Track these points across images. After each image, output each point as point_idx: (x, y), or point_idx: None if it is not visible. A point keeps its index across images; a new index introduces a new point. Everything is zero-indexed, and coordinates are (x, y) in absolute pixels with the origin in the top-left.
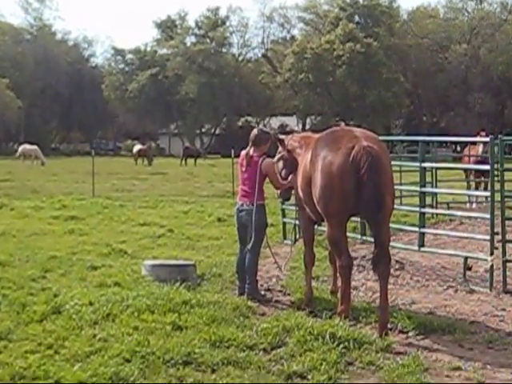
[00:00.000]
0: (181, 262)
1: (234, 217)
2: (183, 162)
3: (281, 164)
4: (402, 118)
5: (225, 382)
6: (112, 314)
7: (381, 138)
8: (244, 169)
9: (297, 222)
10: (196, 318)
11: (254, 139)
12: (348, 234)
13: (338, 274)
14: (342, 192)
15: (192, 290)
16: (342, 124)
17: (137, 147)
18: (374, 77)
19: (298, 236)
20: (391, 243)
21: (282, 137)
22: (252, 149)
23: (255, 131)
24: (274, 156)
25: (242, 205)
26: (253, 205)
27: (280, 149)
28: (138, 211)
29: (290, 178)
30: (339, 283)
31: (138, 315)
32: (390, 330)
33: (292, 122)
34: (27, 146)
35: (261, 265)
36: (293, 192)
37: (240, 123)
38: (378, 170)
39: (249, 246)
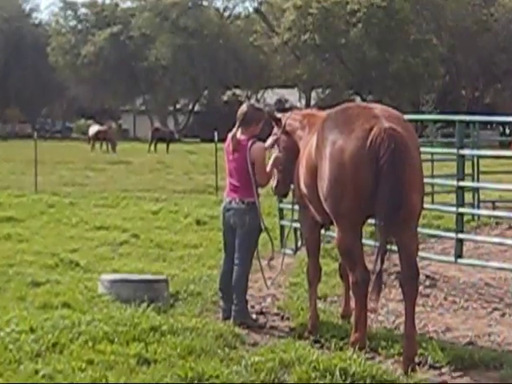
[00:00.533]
0: (149, 276)
1: (220, 217)
2: (152, 147)
3: (276, 150)
4: (435, 92)
5: None
6: (59, 343)
7: (407, 117)
8: (231, 156)
9: (298, 226)
10: (168, 348)
11: (242, 118)
12: (364, 240)
13: (350, 293)
14: (357, 187)
15: (163, 313)
16: (358, 99)
17: (94, 128)
18: (399, 39)
19: (299, 243)
20: (420, 253)
21: (278, 115)
22: (240, 130)
23: (244, 107)
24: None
25: (230, 202)
26: (243, 203)
27: (276, 130)
28: (94, 211)
29: (268, 167)
30: (352, 304)
31: (94, 345)
32: (419, 364)
33: (293, 96)
34: None
35: (252, 281)
36: (292, 187)
37: (225, 98)
38: (402, 160)
39: (237, 256)
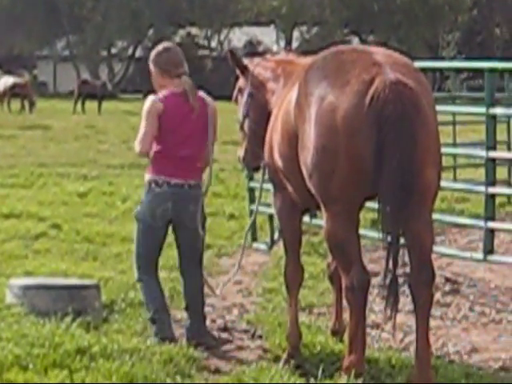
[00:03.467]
0: (74, 281)
1: (154, 209)
2: (79, 106)
3: (242, 107)
4: (459, 31)
5: None
6: None
7: (421, 64)
8: (187, 119)
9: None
10: (100, 377)
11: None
12: (363, 231)
13: (343, 301)
14: (353, 158)
15: (94, 330)
16: (355, 41)
17: (7, 81)
18: None
19: (276, 235)
20: (436, 248)
21: (245, 61)
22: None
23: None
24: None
25: (183, 186)
26: (199, 186)
27: (240, 82)
28: (0, 193)
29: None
30: (346, 317)
31: (0, 374)
32: None
33: (268, 36)
34: None
35: (213, 286)
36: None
37: (177, 39)
38: (413, 122)
39: (193, 258)
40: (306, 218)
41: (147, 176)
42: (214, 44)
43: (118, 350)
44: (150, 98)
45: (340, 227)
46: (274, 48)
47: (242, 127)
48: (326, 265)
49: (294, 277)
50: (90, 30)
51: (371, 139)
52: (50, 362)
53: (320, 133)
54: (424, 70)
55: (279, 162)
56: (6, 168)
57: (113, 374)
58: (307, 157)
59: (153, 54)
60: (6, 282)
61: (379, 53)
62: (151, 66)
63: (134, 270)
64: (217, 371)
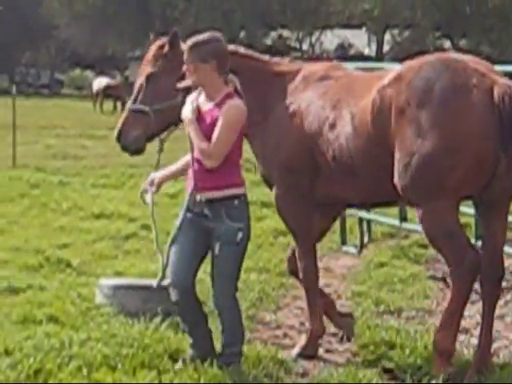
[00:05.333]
0: (164, 282)
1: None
2: None
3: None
4: None
5: None
6: (44, 370)
7: None
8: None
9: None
10: (188, 379)
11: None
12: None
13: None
14: (480, 159)
15: (182, 332)
16: (447, 44)
17: (101, 82)
18: None
19: (366, 239)
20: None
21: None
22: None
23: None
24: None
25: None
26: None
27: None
28: (92, 193)
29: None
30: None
31: (89, 373)
32: None
33: (360, 39)
34: None
35: (298, 288)
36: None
37: (269, 41)
38: None
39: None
40: (395, 222)
41: (236, 190)
42: (305, 46)
43: None
44: (238, 104)
45: (450, 217)
46: (366, 51)
47: None
48: (286, 259)
49: (312, 276)
50: (182, 31)
51: (498, 142)
52: (138, 363)
53: (444, 135)
54: None
55: (333, 159)
56: (98, 168)
57: (201, 376)
58: (420, 154)
59: (206, 42)
60: (96, 282)
61: (474, 61)
62: (201, 59)
63: (226, 294)
64: (305, 374)
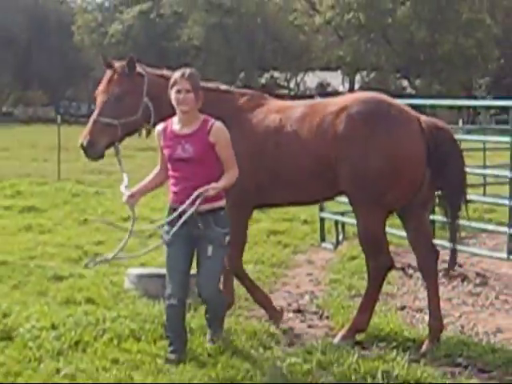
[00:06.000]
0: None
1: None
2: None
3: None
4: (489, 76)
5: None
6: (83, 341)
7: (459, 102)
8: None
9: (339, 218)
10: (199, 348)
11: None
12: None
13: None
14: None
15: (193, 311)
16: (405, 83)
17: None
18: (450, 18)
19: (341, 237)
20: (470, 249)
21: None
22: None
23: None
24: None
25: None
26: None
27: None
28: (121, 201)
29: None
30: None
31: (119, 343)
32: (466, 367)
33: (336, 79)
34: None
35: (289, 277)
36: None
37: (263, 81)
38: None
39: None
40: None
41: (221, 202)
42: (292, 85)
43: None
44: (221, 124)
45: (379, 228)
46: (340, 88)
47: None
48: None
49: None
50: None
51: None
52: (158, 335)
53: (387, 160)
54: (460, 106)
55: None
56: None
57: (208, 345)
58: (364, 174)
59: (196, 74)
60: (124, 271)
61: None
62: (197, 88)
63: (215, 286)
64: (291, 344)
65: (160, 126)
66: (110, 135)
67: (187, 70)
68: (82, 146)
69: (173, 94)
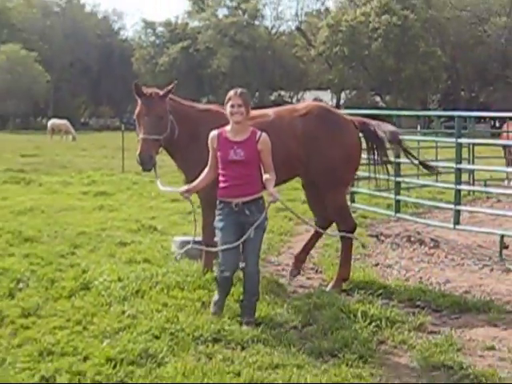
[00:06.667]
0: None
1: None
2: None
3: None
4: (440, 93)
5: (254, 359)
6: (141, 290)
7: (417, 113)
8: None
9: None
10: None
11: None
12: (382, 211)
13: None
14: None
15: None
16: (378, 99)
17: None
18: (411, 50)
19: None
20: (426, 220)
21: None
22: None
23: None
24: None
25: None
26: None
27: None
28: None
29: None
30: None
31: (168, 292)
32: (423, 308)
33: (326, 96)
34: (57, 121)
35: (293, 242)
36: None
37: (273, 97)
38: None
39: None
40: (348, 203)
41: (260, 193)
42: (294, 101)
43: (236, 278)
44: (266, 135)
45: (343, 199)
46: (330, 104)
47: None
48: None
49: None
50: (221, 92)
51: None
52: (196, 285)
53: (344, 149)
54: (418, 116)
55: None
56: (171, 172)
57: (233, 293)
58: (330, 163)
59: (246, 94)
60: (171, 239)
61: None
62: (248, 103)
63: (256, 263)
64: (295, 292)
65: (215, 132)
66: (156, 148)
67: (239, 89)
68: (139, 161)
69: (228, 108)
